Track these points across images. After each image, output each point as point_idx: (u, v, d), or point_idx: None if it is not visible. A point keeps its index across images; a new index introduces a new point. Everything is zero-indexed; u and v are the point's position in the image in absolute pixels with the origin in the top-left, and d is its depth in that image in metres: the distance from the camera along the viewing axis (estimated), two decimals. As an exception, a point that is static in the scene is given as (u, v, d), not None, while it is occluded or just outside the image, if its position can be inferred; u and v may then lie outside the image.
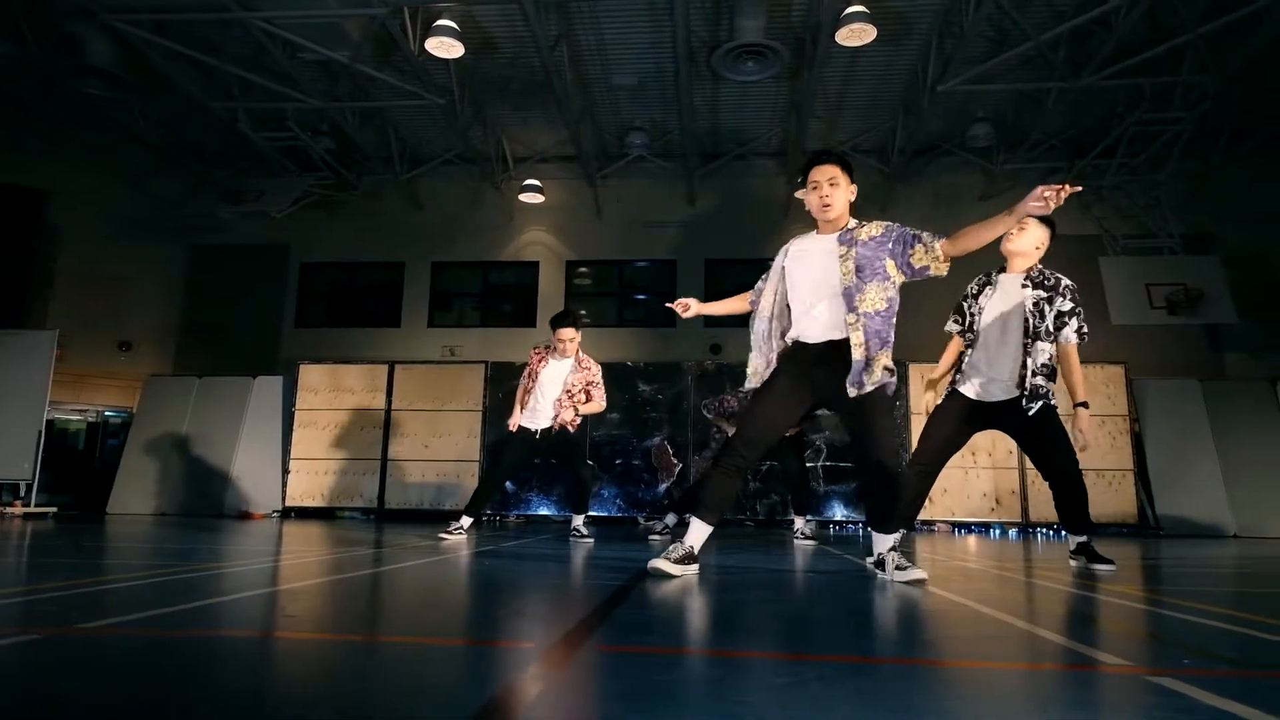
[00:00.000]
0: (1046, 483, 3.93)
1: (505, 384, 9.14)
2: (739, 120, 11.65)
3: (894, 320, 2.99)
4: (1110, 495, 8.37)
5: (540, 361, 5.49)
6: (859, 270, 2.99)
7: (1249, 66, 9.27)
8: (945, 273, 2.96)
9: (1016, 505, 8.46)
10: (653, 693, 1.18)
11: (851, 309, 2.95)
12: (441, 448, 9.05)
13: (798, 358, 3.08)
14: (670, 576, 2.82)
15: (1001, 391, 3.78)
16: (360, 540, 4.95)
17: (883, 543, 3.04)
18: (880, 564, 3.01)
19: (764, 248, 12.23)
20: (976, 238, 2.86)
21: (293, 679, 1.33)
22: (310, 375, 9.47)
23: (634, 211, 12.95)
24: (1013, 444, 8.51)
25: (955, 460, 8.32)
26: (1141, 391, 8.88)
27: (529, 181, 12.25)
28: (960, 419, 3.86)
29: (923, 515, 8.39)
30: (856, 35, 8.30)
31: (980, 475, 8.52)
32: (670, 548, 2.97)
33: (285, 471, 9.16)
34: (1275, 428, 8.58)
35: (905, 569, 2.90)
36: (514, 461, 5.51)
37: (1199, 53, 9.06)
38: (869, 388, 2.89)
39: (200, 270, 13.31)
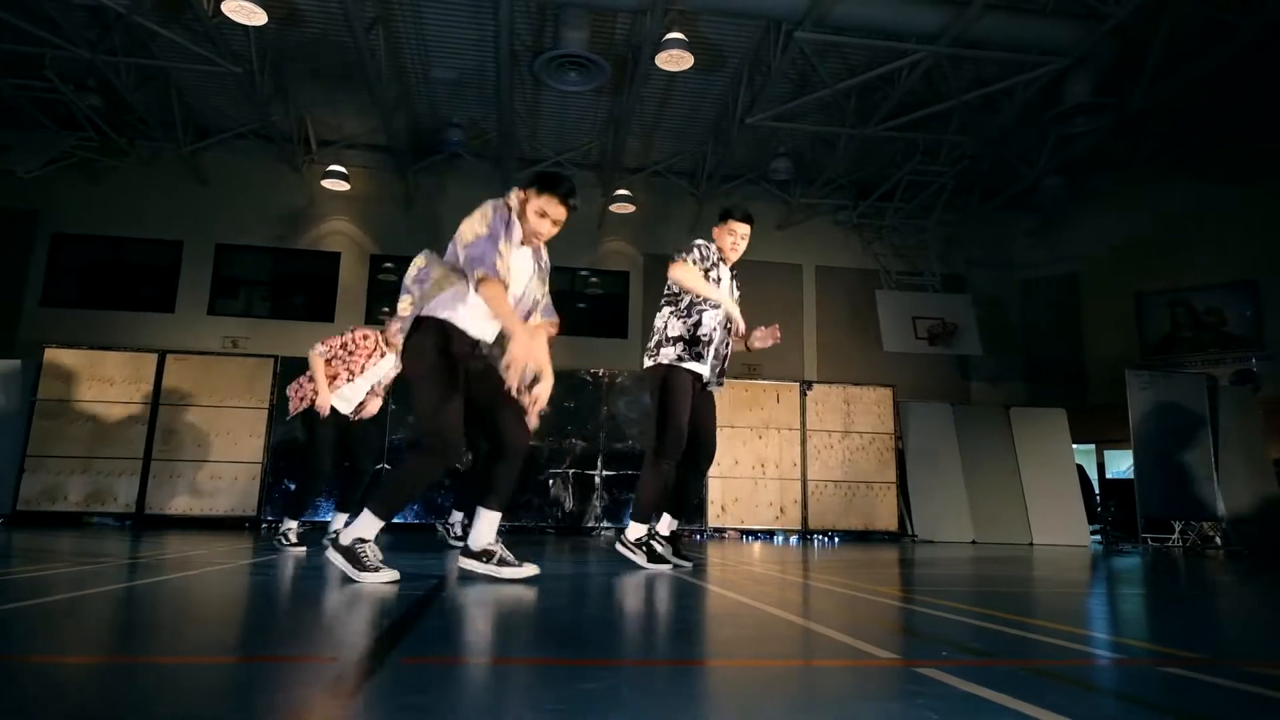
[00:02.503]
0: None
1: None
2: (559, 128, 11.72)
3: None
4: (877, 505, 9.27)
5: (369, 357, 4.93)
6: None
7: (999, 135, 10.74)
8: None
9: (798, 514, 9.14)
10: (466, 705, 1.15)
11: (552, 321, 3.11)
12: (218, 448, 8.24)
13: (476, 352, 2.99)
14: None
15: (714, 375, 3.99)
16: (110, 552, 4.39)
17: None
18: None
19: (576, 257, 12.38)
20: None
21: (36, 707, 1.15)
22: (58, 361, 8.28)
23: (446, 209, 12.58)
24: (798, 456, 9.23)
25: (745, 471, 8.95)
26: (905, 412, 9.92)
27: (334, 167, 11.55)
28: (694, 397, 3.93)
29: (715, 523, 8.84)
30: (675, 61, 8.66)
31: (768, 486, 9.11)
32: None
33: (20, 471, 7.93)
34: (1007, 448, 9.91)
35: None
36: (334, 450, 4.91)
37: (962, 118, 10.36)
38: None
39: (-85, 231, 11.24)
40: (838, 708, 1.26)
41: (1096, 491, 10.91)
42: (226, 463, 8.19)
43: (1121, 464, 12.65)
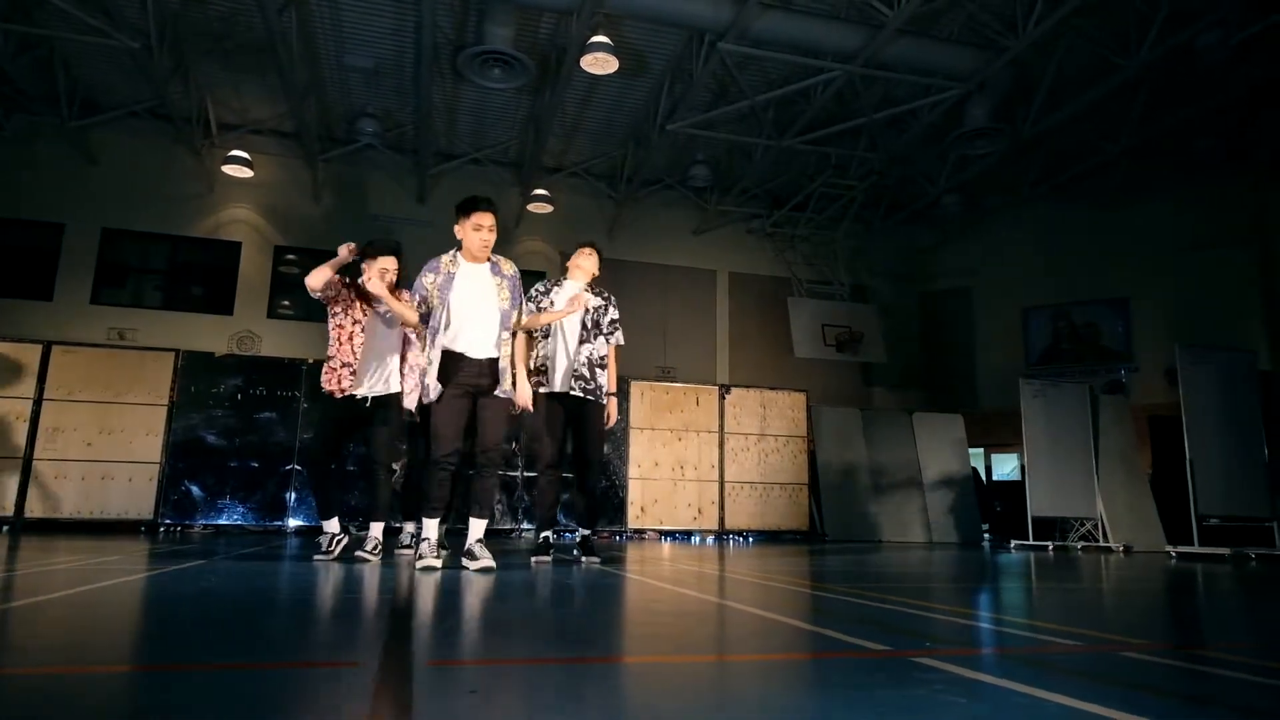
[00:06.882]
0: (574, 472, 4.48)
1: (198, 376, 8.05)
2: (477, 125, 11.54)
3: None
4: (789, 505, 9.56)
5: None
6: (512, 298, 3.79)
7: (905, 153, 11.29)
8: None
9: (715, 515, 9.32)
10: (518, 704, 1.16)
11: (505, 328, 3.73)
12: (110, 447, 7.67)
13: (461, 368, 3.63)
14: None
15: (577, 382, 4.30)
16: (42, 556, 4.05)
17: (476, 529, 3.61)
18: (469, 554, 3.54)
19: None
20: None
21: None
22: (-80, 351, 7.53)
23: (358, 202, 12.19)
24: (715, 459, 9.42)
25: (665, 473, 9.06)
26: (817, 416, 10.28)
27: (236, 153, 10.96)
28: (559, 415, 4.33)
29: (635, 524, 8.92)
30: (599, 64, 8.68)
31: (687, 488, 9.25)
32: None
33: (-127, 471, 7.17)
34: (910, 451, 10.40)
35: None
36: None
37: (871, 135, 10.83)
38: (506, 393, 3.70)
39: None
40: (868, 696, 1.33)
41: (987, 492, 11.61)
42: (120, 463, 7.64)
43: (1006, 466, 13.53)
